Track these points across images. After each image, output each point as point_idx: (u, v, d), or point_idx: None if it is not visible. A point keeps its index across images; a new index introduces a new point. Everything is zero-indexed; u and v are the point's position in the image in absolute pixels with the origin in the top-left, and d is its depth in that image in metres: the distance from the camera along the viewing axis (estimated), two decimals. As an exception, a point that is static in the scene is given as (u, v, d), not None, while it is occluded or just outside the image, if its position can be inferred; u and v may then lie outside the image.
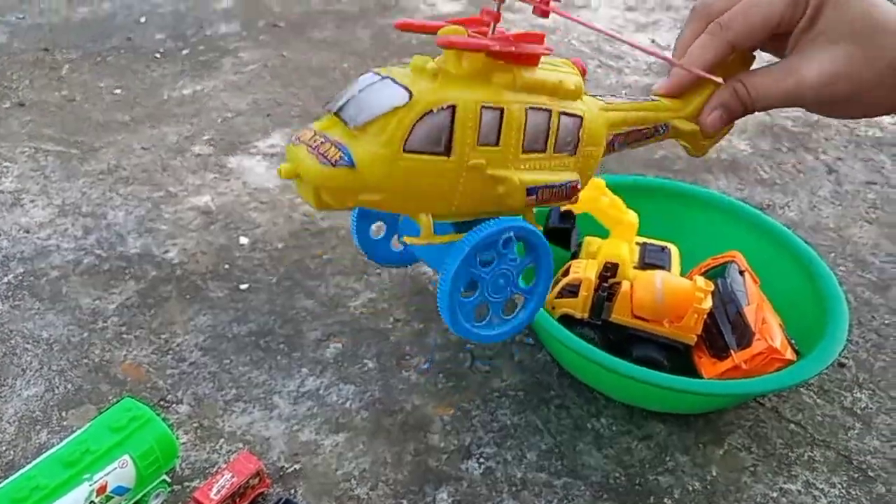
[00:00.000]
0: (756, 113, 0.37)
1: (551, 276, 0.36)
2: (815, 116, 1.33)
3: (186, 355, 0.74)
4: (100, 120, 1.15)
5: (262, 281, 0.84)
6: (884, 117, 1.27)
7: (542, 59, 0.33)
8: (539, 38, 0.32)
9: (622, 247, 0.72)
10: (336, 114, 0.30)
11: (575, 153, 0.35)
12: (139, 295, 0.81)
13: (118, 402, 0.59)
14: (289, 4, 1.63)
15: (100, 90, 1.24)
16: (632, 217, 0.73)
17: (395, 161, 0.29)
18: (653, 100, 0.40)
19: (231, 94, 1.26)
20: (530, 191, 0.33)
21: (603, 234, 0.74)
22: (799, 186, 1.11)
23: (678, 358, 0.70)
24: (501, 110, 0.31)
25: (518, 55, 0.31)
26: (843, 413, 0.72)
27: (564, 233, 0.76)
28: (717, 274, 0.75)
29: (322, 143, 0.30)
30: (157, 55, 1.37)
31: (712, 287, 0.67)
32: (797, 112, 1.33)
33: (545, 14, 0.31)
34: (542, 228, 0.35)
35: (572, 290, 0.71)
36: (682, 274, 0.74)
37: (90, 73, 1.29)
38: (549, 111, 0.33)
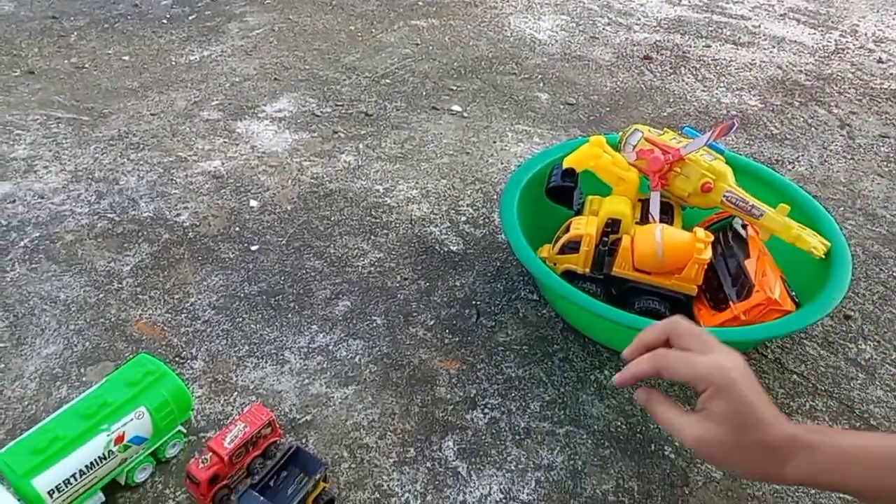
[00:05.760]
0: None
1: None
2: (829, 70, 1.30)
3: (200, 314, 0.76)
4: (109, 87, 1.16)
5: (272, 242, 0.86)
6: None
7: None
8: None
9: (624, 203, 0.72)
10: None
11: None
12: (152, 257, 0.83)
13: (134, 357, 0.61)
14: (294, -33, 1.61)
15: (108, 57, 1.25)
16: (633, 174, 0.73)
17: None
18: None
19: (238, 58, 1.26)
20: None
21: (606, 193, 0.75)
22: (810, 141, 1.09)
23: (680, 309, 0.70)
24: None
25: None
26: (847, 364, 0.73)
27: (567, 192, 0.77)
28: (720, 228, 0.75)
29: None
30: (164, 21, 1.38)
31: (712, 238, 0.67)
32: (810, 65, 1.31)
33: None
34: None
35: (573, 247, 0.71)
36: (685, 229, 0.74)
37: (98, 40, 1.30)
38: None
